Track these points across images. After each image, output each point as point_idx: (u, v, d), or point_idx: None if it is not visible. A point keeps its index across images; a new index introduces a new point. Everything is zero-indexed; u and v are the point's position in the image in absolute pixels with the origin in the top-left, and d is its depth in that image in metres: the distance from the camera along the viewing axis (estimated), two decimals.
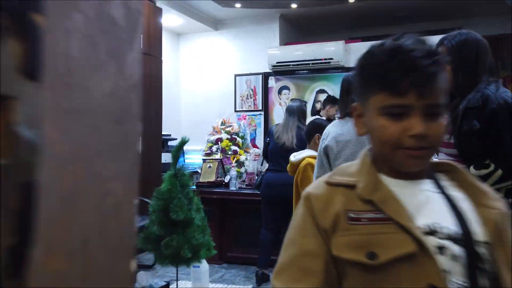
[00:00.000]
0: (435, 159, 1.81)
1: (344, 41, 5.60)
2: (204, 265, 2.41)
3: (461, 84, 1.68)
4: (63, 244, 0.41)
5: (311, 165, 2.52)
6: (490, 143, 1.55)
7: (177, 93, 6.57)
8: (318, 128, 2.72)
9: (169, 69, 6.29)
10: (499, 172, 1.52)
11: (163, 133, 5.36)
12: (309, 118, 5.07)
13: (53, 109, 0.40)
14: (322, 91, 5.73)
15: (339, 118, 2.49)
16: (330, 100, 5.06)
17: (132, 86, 0.52)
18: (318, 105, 5.67)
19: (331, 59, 5.48)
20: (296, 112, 3.58)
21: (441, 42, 1.74)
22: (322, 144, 2.13)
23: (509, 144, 1.53)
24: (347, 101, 2.38)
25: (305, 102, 3.76)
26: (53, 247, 0.40)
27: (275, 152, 3.64)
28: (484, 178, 1.51)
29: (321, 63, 5.57)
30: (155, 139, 4.96)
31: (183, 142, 2.41)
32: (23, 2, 0.36)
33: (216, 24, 6.33)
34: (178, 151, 2.37)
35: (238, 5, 5.46)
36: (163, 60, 5.75)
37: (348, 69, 5.38)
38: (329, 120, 4.64)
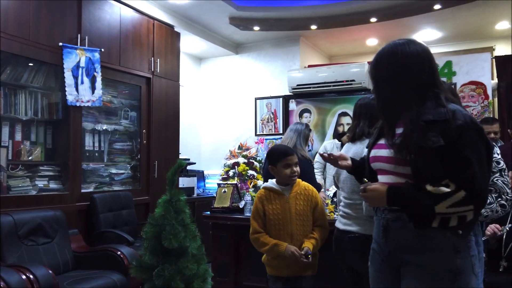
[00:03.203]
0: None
1: (367, 62, 5.43)
2: None
3: (378, 101, 1.57)
4: None
5: (257, 198, 2.46)
6: (455, 163, 1.37)
7: (198, 117, 6.55)
8: (270, 157, 2.52)
9: (191, 93, 6.29)
10: (462, 193, 1.34)
11: (182, 157, 5.32)
12: (329, 142, 4.87)
13: None
14: (344, 113, 5.54)
15: (349, 141, 2.39)
16: (350, 128, 4.87)
17: None
18: (341, 128, 5.48)
19: (353, 80, 5.31)
20: (300, 133, 3.41)
21: None
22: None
23: (476, 166, 1.35)
24: (355, 126, 2.30)
25: (310, 129, 3.58)
26: None
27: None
28: (442, 197, 1.35)
29: (343, 85, 5.41)
30: (172, 163, 4.89)
31: (180, 165, 2.29)
32: None
33: (236, 47, 6.32)
34: (174, 174, 2.26)
35: (256, 28, 5.43)
36: (185, 85, 5.77)
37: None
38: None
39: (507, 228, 2.74)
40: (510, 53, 5.34)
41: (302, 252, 2.27)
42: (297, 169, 2.41)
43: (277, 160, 2.39)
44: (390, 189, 1.46)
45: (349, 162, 1.86)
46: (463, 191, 1.34)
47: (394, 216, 1.50)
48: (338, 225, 2.29)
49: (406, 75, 1.48)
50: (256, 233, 2.40)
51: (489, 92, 4.92)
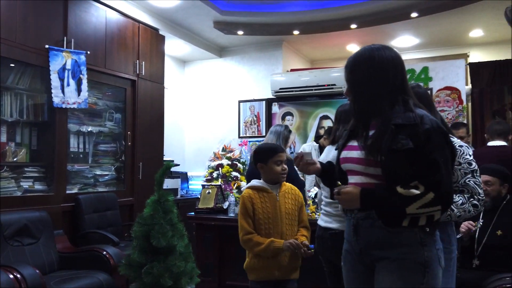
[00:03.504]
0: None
1: None
2: None
3: (354, 104, 1.59)
4: None
5: (243, 199, 2.37)
6: (423, 165, 1.44)
7: (181, 119, 6.61)
8: (258, 154, 2.43)
9: (175, 96, 6.35)
10: (431, 195, 1.41)
11: (166, 158, 5.38)
12: (308, 144, 5.00)
13: None
14: (325, 117, 5.69)
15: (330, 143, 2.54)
16: (326, 131, 5.06)
17: None
18: (322, 131, 5.62)
19: (334, 85, 5.46)
20: (279, 135, 3.56)
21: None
22: None
23: (443, 169, 1.43)
24: (335, 130, 2.46)
25: (290, 130, 3.72)
26: None
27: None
28: (412, 199, 1.42)
29: (324, 89, 5.55)
30: (156, 165, 4.96)
31: (168, 166, 2.37)
32: None
33: (220, 51, 6.41)
34: (162, 176, 2.34)
35: (240, 32, 5.53)
36: (169, 87, 5.83)
37: None
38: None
39: (480, 223, 2.89)
40: (483, 60, 5.58)
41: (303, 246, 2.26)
42: (286, 166, 2.41)
43: (268, 157, 2.35)
44: (363, 192, 1.50)
45: (318, 165, 1.82)
46: (432, 193, 1.41)
47: (363, 215, 1.56)
48: (320, 223, 2.42)
49: (382, 79, 1.53)
50: (247, 234, 2.30)
51: (463, 97, 5.13)
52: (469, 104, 5.43)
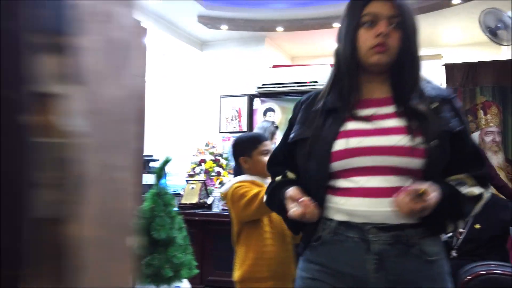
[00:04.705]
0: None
1: (329, 64, 5.70)
2: (186, 284, 2.35)
3: (412, 60, 1.21)
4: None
5: (239, 187, 1.86)
6: (470, 154, 1.13)
7: (161, 113, 6.54)
8: (239, 147, 2.01)
9: (154, 89, 6.27)
10: (488, 193, 1.11)
11: (144, 153, 5.30)
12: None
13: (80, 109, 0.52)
14: None
15: None
16: None
17: (129, 95, 0.63)
18: None
19: (316, 82, 5.55)
20: (266, 130, 3.63)
21: None
22: None
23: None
24: None
25: (277, 126, 3.80)
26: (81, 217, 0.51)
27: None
28: (476, 200, 1.11)
29: (306, 85, 5.63)
30: (136, 160, 4.89)
31: (167, 161, 2.37)
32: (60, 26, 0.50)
33: (201, 45, 6.39)
34: (162, 170, 2.34)
35: (224, 27, 5.53)
36: (147, 80, 5.75)
37: None
38: None
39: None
40: (456, 62, 5.81)
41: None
42: None
43: (252, 148, 1.94)
44: (443, 198, 1.04)
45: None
46: (486, 192, 1.11)
47: (391, 238, 1.06)
48: None
49: None
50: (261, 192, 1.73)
51: None
52: None
